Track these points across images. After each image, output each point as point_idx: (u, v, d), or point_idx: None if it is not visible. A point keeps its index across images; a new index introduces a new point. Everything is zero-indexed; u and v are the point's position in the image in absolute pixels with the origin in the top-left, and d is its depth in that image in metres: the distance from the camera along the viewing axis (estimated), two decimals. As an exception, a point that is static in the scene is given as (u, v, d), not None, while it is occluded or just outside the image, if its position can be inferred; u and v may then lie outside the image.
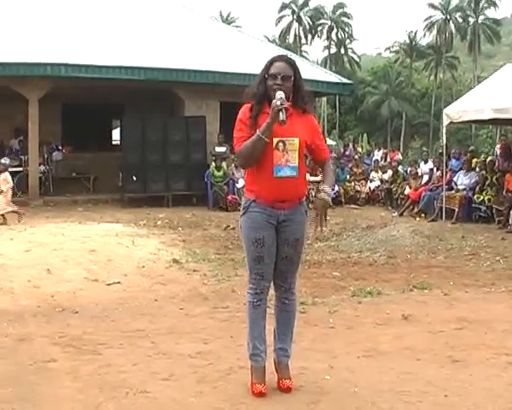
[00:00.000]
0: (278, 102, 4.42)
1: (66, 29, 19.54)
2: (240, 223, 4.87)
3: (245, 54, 21.48)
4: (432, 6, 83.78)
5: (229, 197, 18.13)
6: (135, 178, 18.56)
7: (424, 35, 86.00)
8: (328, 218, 4.97)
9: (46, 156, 19.83)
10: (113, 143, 26.13)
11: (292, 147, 4.61)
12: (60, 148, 21.00)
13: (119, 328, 6.56)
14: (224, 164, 18.94)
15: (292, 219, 4.72)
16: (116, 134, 25.57)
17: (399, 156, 26.71)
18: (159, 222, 14.89)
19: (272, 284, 4.95)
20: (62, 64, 17.70)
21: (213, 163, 18.85)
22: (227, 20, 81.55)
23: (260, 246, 4.70)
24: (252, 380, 4.83)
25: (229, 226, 14.37)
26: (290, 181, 4.63)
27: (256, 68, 16.91)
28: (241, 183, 18.52)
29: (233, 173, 18.80)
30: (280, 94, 4.49)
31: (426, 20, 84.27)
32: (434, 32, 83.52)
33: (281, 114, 4.42)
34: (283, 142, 4.59)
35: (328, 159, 5.02)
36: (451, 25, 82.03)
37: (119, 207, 17.79)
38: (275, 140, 4.57)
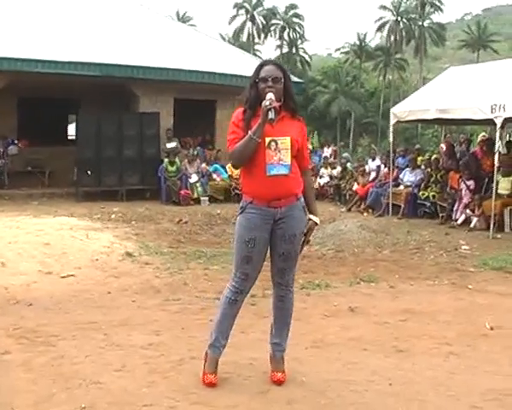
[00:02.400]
0: (267, 102, 4.49)
1: (23, 24, 19.30)
2: (236, 222, 4.86)
3: (199, 52, 21.54)
4: (383, 7, 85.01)
5: (182, 192, 18.12)
6: (89, 173, 18.41)
7: (374, 36, 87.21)
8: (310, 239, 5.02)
9: (2, 150, 19.41)
10: (69, 137, 25.86)
11: (284, 146, 4.65)
12: (15, 142, 20.62)
13: (73, 320, 6.54)
14: (177, 159, 18.98)
15: (288, 215, 4.74)
16: (72, 129, 25.36)
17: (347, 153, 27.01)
18: (113, 216, 14.80)
19: (271, 281, 5.02)
20: (18, 59, 17.49)
21: (167, 158, 18.88)
22: (182, 19, 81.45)
23: (251, 246, 4.71)
24: (204, 369, 4.88)
25: (181, 220, 14.37)
26: (283, 179, 4.66)
27: (210, 66, 16.96)
28: (194, 178, 18.59)
29: (186, 168, 18.83)
30: (270, 95, 4.55)
31: (377, 21, 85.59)
32: (385, 33, 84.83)
33: (269, 113, 4.48)
34: (275, 141, 4.63)
35: (307, 169, 5.06)
36: (401, 26, 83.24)
37: (73, 201, 17.55)
38: (267, 139, 4.61)
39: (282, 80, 4.70)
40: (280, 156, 4.65)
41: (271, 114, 4.50)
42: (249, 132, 4.58)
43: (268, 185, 4.66)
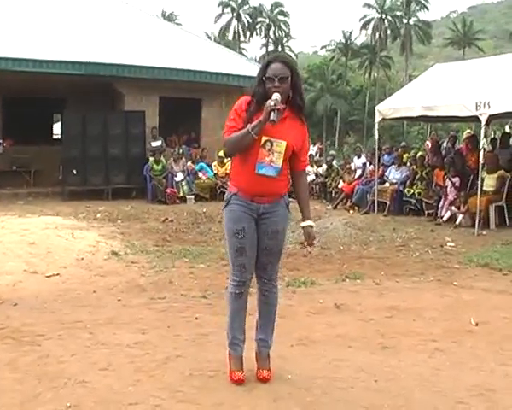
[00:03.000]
0: (272, 103, 4.44)
1: (8, 22, 19.18)
2: (223, 215, 4.88)
3: (184, 50, 21.44)
4: (367, 5, 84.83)
5: (168, 190, 18.06)
6: (75, 172, 18.33)
7: (360, 34, 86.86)
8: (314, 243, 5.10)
9: (-14, 150, 19.46)
10: (54, 137, 25.71)
11: (278, 149, 4.63)
12: (0, 141, 20.62)
13: (58, 319, 6.49)
14: (162, 158, 18.92)
15: (272, 211, 4.76)
16: (57, 128, 25.22)
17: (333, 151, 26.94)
18: (98, 215, 14.70)
19: (254, 275, 4.98)
20: (3, 58, 17.35)
21: (152, 157, 18.81)
22: (168, 18, 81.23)
23: (241, 237, 4.72)
24: (230, 368, 4.90)
25: (167, 219, 14.28)
26: (270, 180, 4.66)
27: (195, 64, 16.86)
28: (179, 176, 18.52)
29: (172, 167, 18.76)
30: (276, 95, 4.49)
31: (362, 19, 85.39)
32: (370, 30, 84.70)
33: (272, 113, 4.43)
34: (271, 142, 4.61)
35: (303, 171, 5.01)
36: (386, 24, 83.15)
37: (59, 201, 17.46)
38: (263, 138, 4.59)
39: (290, 79, 4.64)
40: (272, 158, 4.64)
41: (273, 116, 4.45)
42: (248, 126, 4.55)
43: (254, 182, 4.67)
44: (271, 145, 4.62)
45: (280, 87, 4.56)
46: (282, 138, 4.64)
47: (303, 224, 4.92)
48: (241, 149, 4.64)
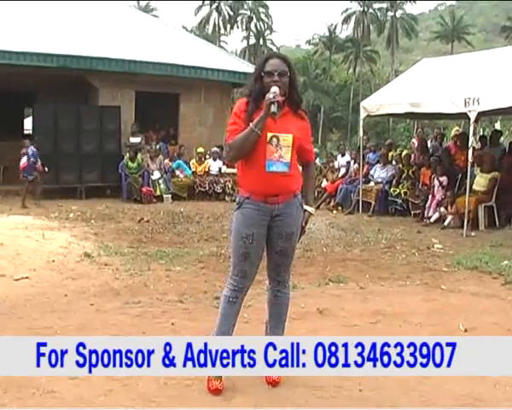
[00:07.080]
0: (271, 96, 4.45)
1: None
2: (232, 217, 4.83)
3: (162, 43, 21.28)
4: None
5: (144, 189, 17.81)
6: (46, 169, 17.91)
7: (342, 28, 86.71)
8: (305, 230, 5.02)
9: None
10: (25, 131, 25.43)
11: (285, 143, 4.61)
12: (-34, 137, 20.26)
13: (27, 325, 6.29)
14: (138, 155, 18.58)
15: (286, 212, 4.72)
16: (28, 123, 24.91)
17: (316, 148, 26.67)
18: (71, 215, 14.48)
19: (266, 276, 5.01)
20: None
21: (127, 154, 18.49)
22: (145, 9, 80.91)
23: (249, 242, 4.69)
24: (208, 376, 4.79)
25: (143, 219, 14.11)
26: (282, 176, 4.63)
27: (173, 58, 16.54)
28: (156, 174, 18.28)
29: (148, 165, 18.50)
30: (274, 88, 4.50)
31: (344, 12, 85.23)
32: (352, 24, 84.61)
33: (272, 106, 4.43)
34: (277, 137, 4.59)
35: (312, 162, 5.12)
36: (368, 17, 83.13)
37: (29, 199, 17.07)
38: (269, 135, 4.57)
39: (288, 74, 4.65)
40: (280, 153, 4.62)
41: (274, 108, 4.44)
42: (250, 125, 4.51)
43: (266, 181, 4.63)
44: (278, 140, 4.62)
45: (279, 81, 4.58)
46: (287, 132, 4.64)
47: (306, 207, 4.92)
48: (247, 150, 4.58)
